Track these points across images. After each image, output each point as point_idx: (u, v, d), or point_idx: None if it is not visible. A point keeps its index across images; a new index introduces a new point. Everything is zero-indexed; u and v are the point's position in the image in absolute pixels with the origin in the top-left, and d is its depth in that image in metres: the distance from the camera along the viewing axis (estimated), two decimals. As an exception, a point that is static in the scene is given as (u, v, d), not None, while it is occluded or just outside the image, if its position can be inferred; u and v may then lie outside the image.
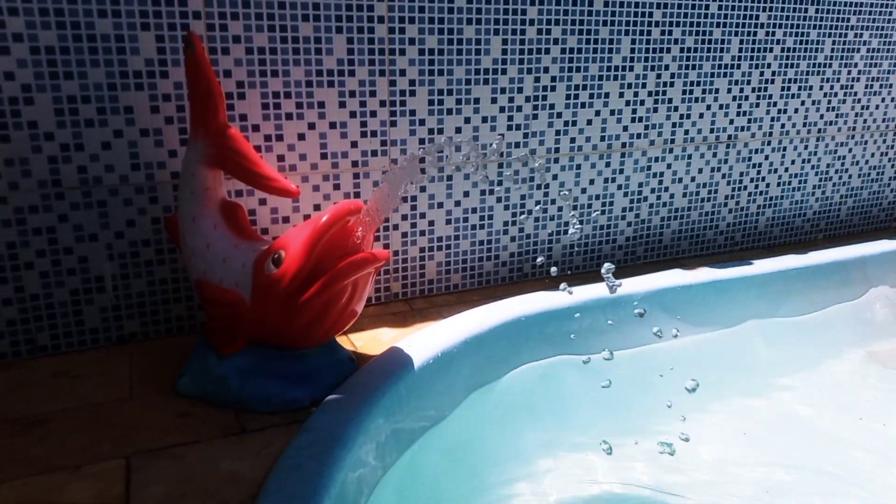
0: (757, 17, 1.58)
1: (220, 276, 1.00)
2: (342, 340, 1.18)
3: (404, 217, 1.35)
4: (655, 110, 1.53)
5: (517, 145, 1.40)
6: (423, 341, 1.14)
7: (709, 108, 1.59)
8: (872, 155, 1.90)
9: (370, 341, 1.19)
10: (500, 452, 1.13)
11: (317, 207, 1.26)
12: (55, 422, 0.96)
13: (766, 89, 1.65)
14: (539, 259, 1.27)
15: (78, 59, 1.05)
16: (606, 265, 1.06)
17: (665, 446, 1.08)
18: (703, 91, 1.57)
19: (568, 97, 1.42)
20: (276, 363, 1.00)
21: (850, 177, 1.88)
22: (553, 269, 1.29)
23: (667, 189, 1.61)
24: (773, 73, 1.65)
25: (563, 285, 1.21)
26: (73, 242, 1.11)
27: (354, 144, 1.26)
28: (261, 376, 0.99)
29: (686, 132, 1.58)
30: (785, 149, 1.74)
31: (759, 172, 1.72)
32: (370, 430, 0.94)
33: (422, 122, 1.30)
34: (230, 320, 0.99)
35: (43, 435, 0.93)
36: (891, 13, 1.76)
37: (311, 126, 1.22)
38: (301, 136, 1.22)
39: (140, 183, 1.13)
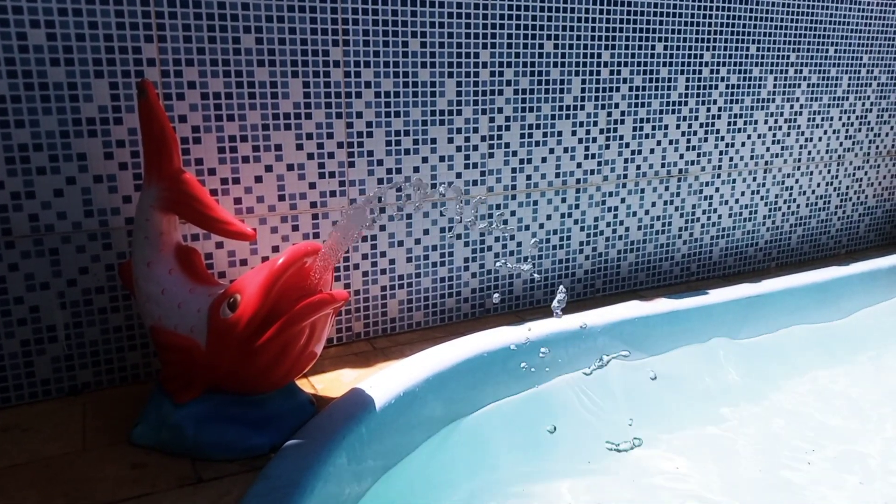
0: (701, 56, 1.64)
1: (174, 321, 0.99)
2: (302, 383, 1.17)
3: (365, 256, 1.35)
4: (608, 147, 1.57)
5: (474, 183, 1.43)
6: (385, 381, 1.14)
7: (659, 143, 1.64)
8: (818, 185, 1.97)
9: (331, 383, 1.19)
10: (464, 491, 1.12)
11: (275, 249, 1.26)
12: (4, 478, 0.93)
13: (713, 124, 1.71)
14: (496, 296, 1.28)
15: (30, 107, 1.04)
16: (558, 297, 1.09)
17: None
18: (653, 127, 1.62)
19: (522, 136, 1.46)
20: (233, 409, 0.99)
21: (798, 206, 1.95)
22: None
23: (622, 223, 1.64)
24: (720, 109, 1.71)
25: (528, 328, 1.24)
26: (23, 292, 1.09)
27: (312, 185, 1.27)
28: (218, 423, 0.97)
29: (638, 167, 1.63)
30: (734, 181, 1.80)
31: (710, 204, 1.77)
32: (331, 476, 0.92)
33: (380, 163, 1.32)
34: (185, 366, 0.98)
35: (-10, 493, 0.90)
36: (827, 51, 1.85)
37: (269, 168, 1.23)
38: (258, 179, 1.22)
39: (93, 229, 1.11)
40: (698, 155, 1.71)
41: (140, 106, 1.01)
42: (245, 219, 1.22)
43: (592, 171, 1.57)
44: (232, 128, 1.18)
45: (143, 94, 1.00)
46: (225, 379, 0.97)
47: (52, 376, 1.13)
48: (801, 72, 1.82)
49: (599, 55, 1.50)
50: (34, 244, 1.08)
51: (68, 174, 1.08)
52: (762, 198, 1.86)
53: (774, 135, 1.83)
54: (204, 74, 1.14)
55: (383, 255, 1.37)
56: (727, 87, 1.71)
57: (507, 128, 1.44)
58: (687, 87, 1.64)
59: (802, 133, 1.88)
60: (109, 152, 1.10)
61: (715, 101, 1.70)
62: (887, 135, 2.07)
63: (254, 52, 1.17)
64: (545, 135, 1.49)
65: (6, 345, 1.10)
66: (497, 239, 1.49)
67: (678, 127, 1.66)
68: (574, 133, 1.52)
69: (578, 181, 1.56)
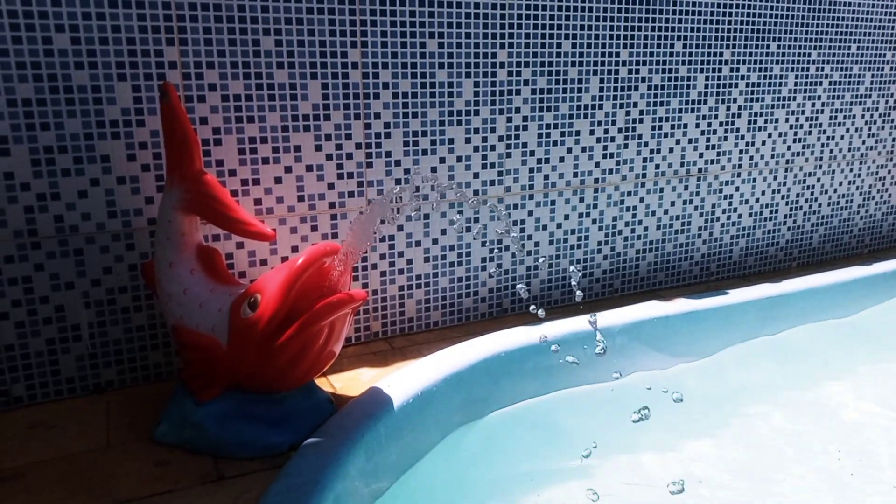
0: (721, 55, 1.63)
1: (196, 321, 1.00)
2: (321, 382, 1.18)
3: (382, 256, 1.36)
4: (626, 146, 1.57)
5: (491, 183, 1.43)
6: (403, 380, 1.14)
7: (678, 142, 1.63)
8: (840, 184, 1.94)
9: (350, 382, 1.19)
10: (481, 492, 1.12)
11: (295, 249, 1.27)
12: (31, 475, 0.94)
13: (733, 123, 1.70)
14: (541, 312, 1.25)
15: (55, 110, 1.06)
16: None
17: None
18: (672, 126, 1.61)
19: (540, 136, 1.46)
20: (254, 407, 1.00)
21: (819, 205, 1.92)
22: (540, 311, 1.27)
23: (640, 222, 1.64)
24: (740, 108, 1.70)
25: (543, 335, 1.22)
26: (49, 291, 1.11)
27: (331, 186, 1.28)
28: (239, 421, 0.99)
29: (657, 166, 1.62)
30: (755, 180, 1.78)
31: (730, 204, 1.76)
32: (350, 474, 0.93)
33: (398, 163, 1.33)
34: (207, 365, 0.99)
35: (18, 489, 0.91)
36: (849, 48, 1.83)
37: (288, 169, 1.24)
38: (278, 180, 1.23)
39: (117, 230, 1.13)
40: (718, 154, 1.70)
41: (162, 108, 1.03)
42: (265, 219, 1.23)
43: (611, 171, 1.56)
44: (252, 129, 1.19)
45: (164, 97, 1.02)
46: (246, 378, 0.98)
47: (77, 374, 1.15)
48: (822, 69, 1.80)
49: (618, 54, 1.50)
50: (59, 245, 1.10)
51: (92, 176, 1.10)
52: (783, 197, 1.84)
53: (796, 133, 1.81)
54: (224, 77, 1.15)
55: (401, 255, 1.38)
56: (747, 85, 1.69)
57: (525, 128, 1.44)
58: (706, 86, 1.63)
59: (824, 131, 1.86)
60: (132, 154, 1.12)
61: (735, 100, 1.68)
62: (911, 132, 2.04)
63: (273, 54, 1.18)
64: (563, 134, 1.48)
65: (32, 343, 1.12)
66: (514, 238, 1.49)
67: (697, 126, 1.65)
68: (592, 132, 1.51)
69: (596, 181, 1.55)
